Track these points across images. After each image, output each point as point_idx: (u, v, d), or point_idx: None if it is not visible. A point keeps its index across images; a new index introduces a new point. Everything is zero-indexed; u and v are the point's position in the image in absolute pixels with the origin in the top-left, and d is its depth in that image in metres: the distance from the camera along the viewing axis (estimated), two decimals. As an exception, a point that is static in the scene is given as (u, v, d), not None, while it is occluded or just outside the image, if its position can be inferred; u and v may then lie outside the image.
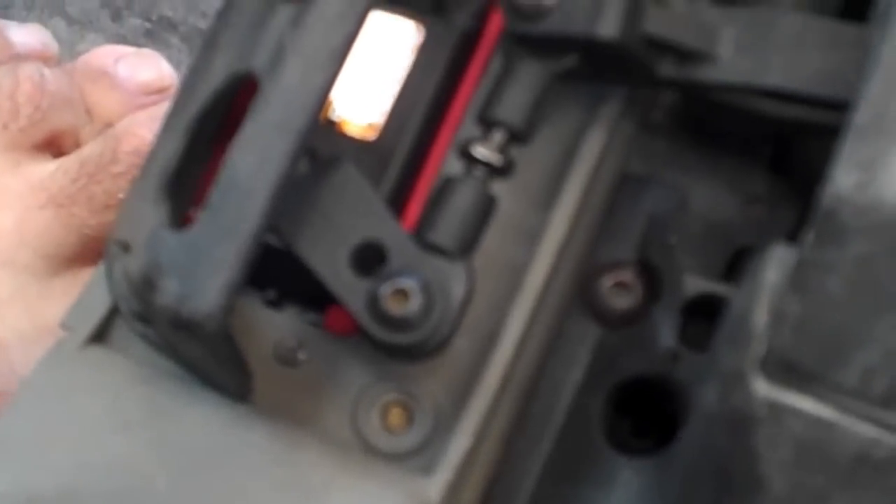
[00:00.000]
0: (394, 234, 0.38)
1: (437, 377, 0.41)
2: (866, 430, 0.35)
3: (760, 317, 0.35)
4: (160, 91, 0.58)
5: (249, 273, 0.34)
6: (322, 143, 0.41)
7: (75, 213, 0.55)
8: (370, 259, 0.38)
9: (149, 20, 1.37)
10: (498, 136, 0.40)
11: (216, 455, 0.38)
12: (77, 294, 0.54)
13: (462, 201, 0.39)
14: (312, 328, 0.42)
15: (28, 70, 0.56)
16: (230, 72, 0.36)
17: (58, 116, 0.57)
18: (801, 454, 0.35)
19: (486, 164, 0.40)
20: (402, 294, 0.38)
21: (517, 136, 0.40)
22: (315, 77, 0.35)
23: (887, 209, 0.35)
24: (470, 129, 0.41)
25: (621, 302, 0.42)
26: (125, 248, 0.35)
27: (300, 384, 0.41)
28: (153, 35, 1.36)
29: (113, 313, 0.41)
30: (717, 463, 0.37)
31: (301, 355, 0.41)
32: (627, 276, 0.42)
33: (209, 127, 0.37)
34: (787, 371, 0.35)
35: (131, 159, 0.54)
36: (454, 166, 0.41)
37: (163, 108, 0.54)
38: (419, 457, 0.40)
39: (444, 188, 0.40)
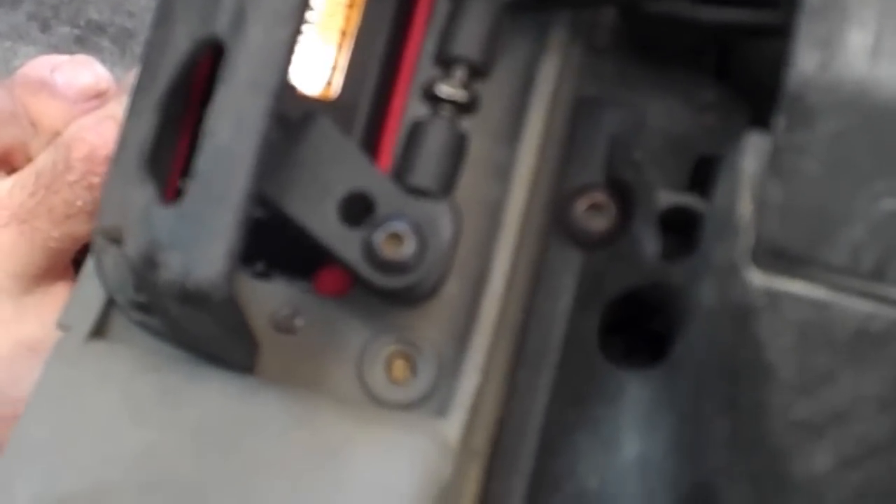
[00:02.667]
0: (378, 182, 0.39)
1: (433, 323, 0.41)
2: (861, 306, 0.36)
3: (745, 207, 0.36)
4: (98, 95, 0.58)
5: (245, 237, 0.34)
6: (286, 106, 0.41)
7: (38, 227, 0.54)
8: (358, 210, 0.38)
9: (77, 26, 1.37)
10: (459, 73, 0.40)
11: (235, 429, 0.39)
12: (50, 309, 0.55)
13: (436, 141, 0.39)
14: (305, 294, 0.42)
15: None
16: (193, 40, 0.36)
17: (5, 133, 0.57)
18: (803, 338, 0.36)
19: (453, 102, 0.40)
20: (397, 238, 0.38)
21: (478, 71, 0.40)
22: (280, 32, 0.35)
23: (850, 86, 0.36)
24: (429, 70, 0.41)
25: (597, 223, 0.42)
26: (114, 236, 0.35)
27: (302, 350, 0.41)
28: (83, 41, 1.36)
29: (109, 306, 0.41)
30: (722, 359, 0.37)
31: (298, 322, 0.42)
32: (600, 196, 0.42)
33: (178, 99, 0.37)
34: (778, 258, 0.36)
35: (84, 166, 0.54)
36: (420, 110, 0.41)
37: (106, 111, 0.54)
38: (429, 403, 0.40)
39: (416, 131, 0.40)
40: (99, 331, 0.41)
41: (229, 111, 0.35)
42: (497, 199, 0.41)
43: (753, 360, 0.36)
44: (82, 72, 0.58)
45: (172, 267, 0.34)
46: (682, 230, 0.41)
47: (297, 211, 0.38)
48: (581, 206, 0.42)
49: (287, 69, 0.35)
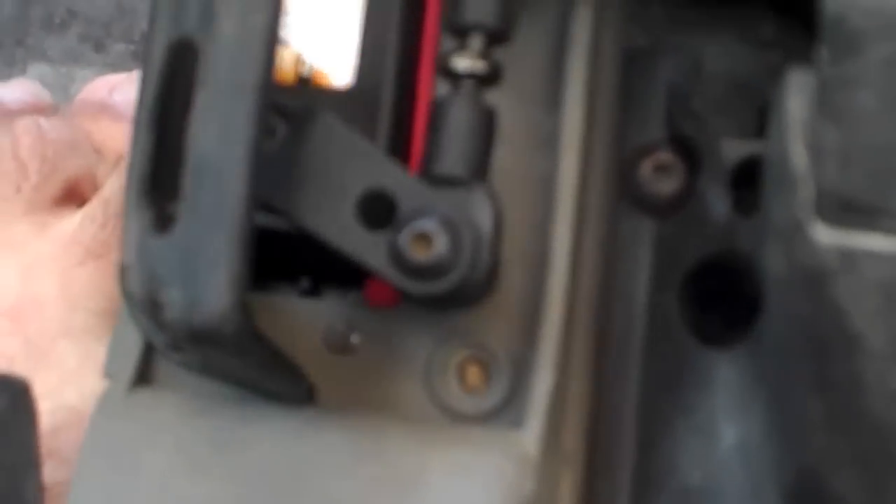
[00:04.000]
0: (396, 177, 0.35)
1: (499, 320, 0.38)
2: None
3: (799, 155, 0.32)
4: None
5: (252, 257, 0.31)
6: (298, 102, 0.38)
7: (114, 260, 0.53)
8: (379, 210, 0.35)
9: (132, 42, 1.36)
10: (476, 42, 0.36)
11: (297, 469, 0.36)
12: None
13: (458, 122, 0.36)
14: (358, 307, 0.39)
15: (23, 125, 0.54)
16: (166, 45, 0.32)
17: (68, 163, 0.55)
18: (889, 298, 0.31)
19: (472, 76, 0.36)
20: (424, 238, 0.34)
21: (496, 37, 0.36)
22: (256, 19, 0.31)
23: (897, 1, 0.31)
24: (446, 42, 0.37)
25: (666, 186, 0.38)
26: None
27: (362, 369, 0.38)
28: (140, 56, 1.35)
29: (149, 350, 0.39)
30: (803, 332, 0.33)
31: (354, 339, 0.38)
32: (665, 156, 0.38)
33: (170, 111, 0.34)
34: (845, 210, 0.31)
35: None
36: (440, 87, 0.37)
37: None
38: (508, 410, 0.37)
39: (437, 113, 0.36)
40: (143, 377, 0.38)
41: (211, 118, 0.31)
42: (548, 173, 0.38)
43: (837, 330, 0.32)
44: None
45: (175, 305, 0.31)
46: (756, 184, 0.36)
47: (311, 219, 0.35)
48: (646, 168, 0.38)
49: (270, 60, 0.32)
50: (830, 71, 0.31)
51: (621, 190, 0.39)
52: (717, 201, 0.36)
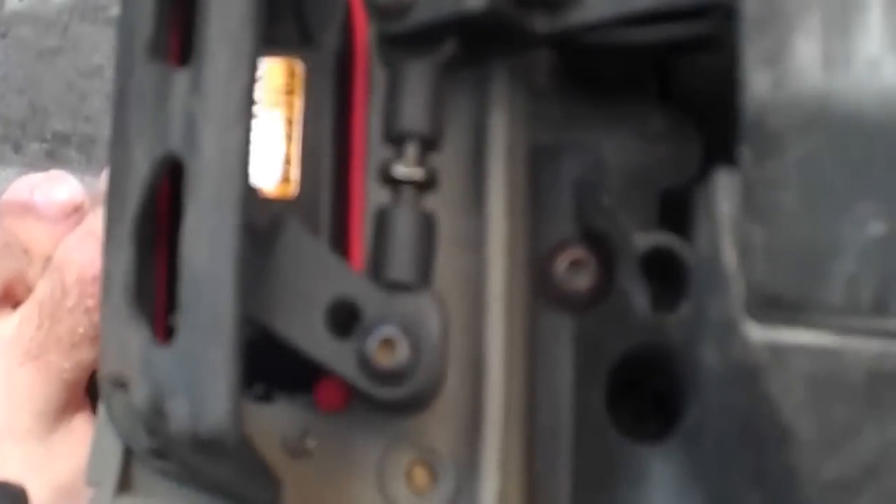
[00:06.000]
0: (360, 286, 0.35)
1: (442, 422, 0.38)
2: (869, 346, 0.32)
3: (729, 255, 0.32)
4: (76, 209, 0.57)
5: (245, 366, 0.32)
6: (252, 213, 0.38)
7: (51, 361, 0.53)
8: (345, 318, 0.35)
9: (45, 140, 1.36)
10: (412, 149, 0.37)
11: None
12: (76, 445, 0.54)
13: (404, 229, 0.36)
14: (311, 412, 0.39)
15: None
16: (151, 160, 0.33)
17: (1, 268, 0.56)
18: (816, 390, 0.32)
19: (412, 182, 0.36)
20: (389, 344, 0.35)
21: (430, 144, 0.37)
22: (233, 138, 0.32)
23: (809, 102, 0.32)
24: (381, 150, 0.38)
25: (581, 281, 0.38)
26: (120, 382, 0.33)
27: (319, 473, 0.39)
28: (53, 154, 1.35)
29: (128, 456, 0.39)
30: (739, 424, 0.33)
31: (310, 443, 0.39)
32: (578, 252, 0.38)
33: (149, 223, 0.34)
34: (773, 306, 0.32)
35: (78, 288, 0.53)
36: (381, 195, 0.38)
37: (85, 227, 0.54)
38: None
39: (382, 221, 0.37)
40: (124, 484, 0.39)
41: (202, 232, 0.32)
42: (475, 273, 0.38)
43: (770, 423, 0.33)
44: (58, 188, 0.57)
45: (181, 415, 0.32)
46: (662, 275, 0.37)
47: (285, 328, 0.35)
48: (561, 264, 0.38)
49: (247, 174, 0.33)
50: (753, 171, 0.32)
51: (538, 287, 0.39)
52: (637, 294, 0.37)
